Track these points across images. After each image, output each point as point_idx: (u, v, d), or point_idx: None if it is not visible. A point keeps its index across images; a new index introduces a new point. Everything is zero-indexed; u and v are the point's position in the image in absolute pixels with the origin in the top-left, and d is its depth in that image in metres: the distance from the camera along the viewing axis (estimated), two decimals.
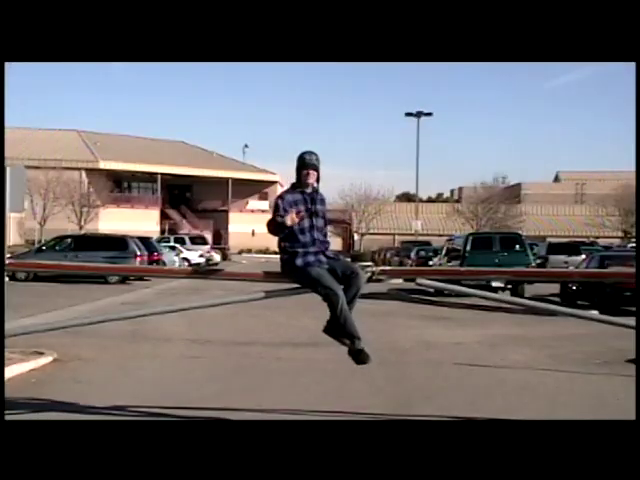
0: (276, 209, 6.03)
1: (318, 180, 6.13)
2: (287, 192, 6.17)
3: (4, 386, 6.14)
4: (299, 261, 5.96)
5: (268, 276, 6.57)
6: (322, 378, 8.38)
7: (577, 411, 6.85)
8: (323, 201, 6.20)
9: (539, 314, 13.95)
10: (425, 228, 57.88)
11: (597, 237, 55.21)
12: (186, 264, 36.24)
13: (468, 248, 21.57)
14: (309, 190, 6.08)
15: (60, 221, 49.72)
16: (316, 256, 5.98)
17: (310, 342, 10.53)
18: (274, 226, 5.99)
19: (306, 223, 6.00)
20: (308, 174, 6.04)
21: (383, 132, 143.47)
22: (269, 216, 6.38)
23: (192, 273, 8.27)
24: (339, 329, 5.92)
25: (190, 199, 72.14)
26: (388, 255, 43.33)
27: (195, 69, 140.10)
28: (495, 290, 18.08)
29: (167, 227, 63.36)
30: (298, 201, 6.02)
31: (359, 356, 5.95)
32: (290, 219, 5.82)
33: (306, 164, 6.04)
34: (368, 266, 6.65)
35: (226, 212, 69.00)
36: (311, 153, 6.10)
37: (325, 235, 6.18)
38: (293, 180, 6.23)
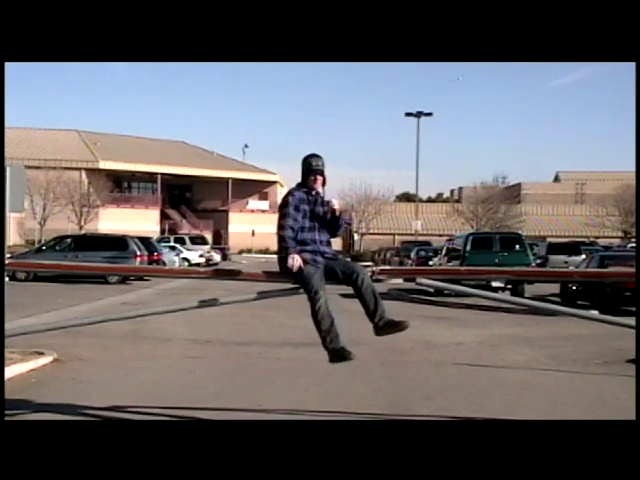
0: (287, 204, 6.02)
1: (324, 184, 6.15)
2: (295, 189, 6.19)
3: (4, 386, 6.14)
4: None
5: (269, 276, 6.57)
6: (322, 378, 8.37)
7: (577, 411, 6.85)
8: (323, 204, 6.19)
9: (539, 314, 13.97)
10: (425, 228, 57.93)
11: (597, 237, 55.26)
12: (186, 264, 36.29)
13: (468, 248, 21.57)
14: (314, 192, 6.10)
15: (60, 221, 49.77)
16: (313, 254, 5.98)
17: (310, 342, 10.49)
18: (280, 236, 5.98)
19: (307, 223, 6.02)
20: (316, 180, 6.07)
21: (383, 132, 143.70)
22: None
23: (190, 273, 8.26)
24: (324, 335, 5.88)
25: (190, 199, 72.18)
26: (388, 255, 43.33)
27: (195, 69, 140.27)
28: (495, 290, 18.08)
29: (167, 227, 63.39)
30: (303, 200, 6.05)
31: (337, 354, 5.88)
32: (293, 260, 5.83)
33: (313, 170, 6.06)
34: (368, 266, 6.65)
35: (226, 212, 69.03)
36: (317, 158, 6.11)
37: (324, 240, 6.17)
38: (292, 180, 6.27)
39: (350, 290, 6.06)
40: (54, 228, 45.61)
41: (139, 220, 59.92)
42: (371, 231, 63.10)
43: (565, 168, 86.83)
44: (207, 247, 46.41)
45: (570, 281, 17.51)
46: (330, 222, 6.12)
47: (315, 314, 5.85)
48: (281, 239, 5.97)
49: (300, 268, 5.90)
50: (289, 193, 6.18)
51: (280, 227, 6.00)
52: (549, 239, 50.83)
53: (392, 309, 17.15)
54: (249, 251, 62.63)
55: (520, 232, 31.35)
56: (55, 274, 21.43)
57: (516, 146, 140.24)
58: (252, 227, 63.01)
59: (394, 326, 6.01)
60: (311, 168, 6.06)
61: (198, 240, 47.67)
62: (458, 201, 73.31)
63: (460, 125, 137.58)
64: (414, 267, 26.22)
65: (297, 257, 5.84)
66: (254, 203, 70.72)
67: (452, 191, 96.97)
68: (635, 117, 5.80)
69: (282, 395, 7.50)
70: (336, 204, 6.11)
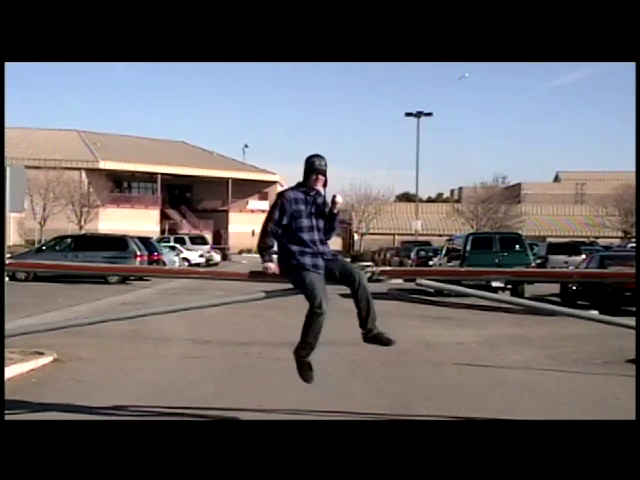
0: (275, 206, 6.09)
1: (325, 185, 6.16)
2: (291, 189, 6.20)
3: (4, 386, 6.14)
4: (294, 261, 5.97)
5: (253, 276, 6.59)
6: (322, 378, 8.32)
7: (577, 411, 6.85)
8: (324, 204, 6.19)
9: (539, 314, 13.96)
10: (425, 228, 57.91)
11: (597, 237, 55.25)
12: (186, 264, 36.29)
13: (468, 248, 21.56)
14: (312, 193, 6.10)
15: (60, 221, 49.75)
16: (313, 258, 5.97)
17: None
18: (261, 240, 6.13)
19: (305, 223, 6.01)
20: (317, 179, 6.08)
21: (383, 132, 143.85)
22: None
23: (190, 273, 8.26)
24: (309, 337, 5.96)
25: (190, 199, 72.19)
26: (388, 255, 43.32)
27: (195, 69, 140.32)
28: (495, 290, 18.08)
29: (167, 227, 63.38)
30: (299, 200, 6.05)
31: (305, 370, 6.09)
32: (268, 267, 6.04)
33: (316, 169, 6.07)
34: (368, 266, 6.66)
35: (226, 212, 69.03)
36: (321, 158, 6.13)
37: (324, 240, 6.17)
38: (292, 180, 6.29)
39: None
40: (54, 228, 45.60)
41: (139, 220, 59.91)
42: (371, 231, 63.05)
43: (565, 168, 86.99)
44: (207, 247, 46.41)
45: (570, 281, 17.49)
46: (327, 219, 6.14)
47: (309, 324, 5.90)
48: (258, 246, 6.16)
49: (302, 276, 5.92)
50: (281, 193, 6.22)
51: (261, 232, 6.14)
52: (549, 239, 50.81)
53: (392, 309, 17.09)
54: (249, 251, 62.54)
55: (520, 232, 31.33)
56: (55, 274, 21.43)
57: (516, 146, 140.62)
58: (252, 227, 62.86)
59: (381, 342, 6.13)
60: (313, 167, 6.07)
61: (198, 240, 47.67)
62: (458, 201, 73.28)
63: (460, 125, 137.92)
64: (414, 267, 26.25)
65: (271, 265, 6.04)
66: (254, 203, 70.69)
67: (452, 191, 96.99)
68: (635, 117, 5.81)
69: (282, 395, 7.49)
70: (340, 199, 6.16)
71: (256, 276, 6.53)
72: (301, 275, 5.92)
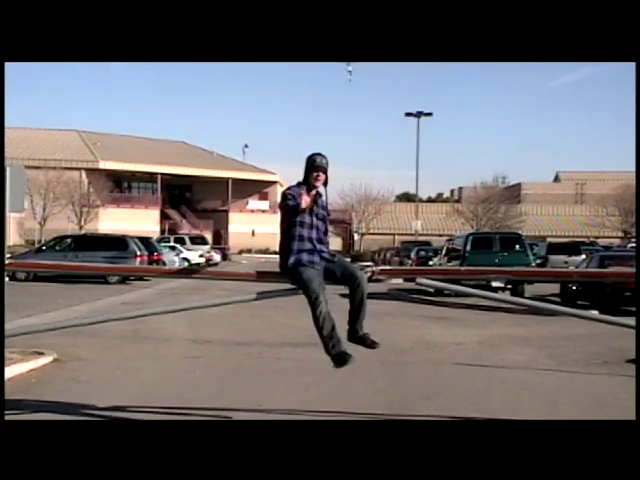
0: (284, 199, 6.09)
1: (326, 184, 6.17)
2: (293, 186, 6.24)
3: (4, 386, 6.14)
4: (291, 259, 6.00)
5: (261, 276, 6.60)
6: (322, 378, 8.36)
7: (577, 411, 6.85)
8: (324, 207, 6.23)
9: (539, 314, 13.96)
10: (425, 228, 57.94)
11: (597, 237, 55.29)
12: (186, 264, 36.29)
13: (468, 248, 21.57)
14: (313, 192, 6.12)
15: (60, 221, 49.77)
16: (310, 255, 6.00)
17: (310, 342, 10.49)
18: (288, 212, 6.02)
19: (306, 219, 6.04)
20: (318, 177, 6.09)
21: (383, 132, 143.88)
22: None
23: (188, 273, 8.26)
24: (324, 335, 5.93)
25: (190, 199, 72.17)
26: (388, 255, 43.33)
27: (195, 69, 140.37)
28: (495, 290, 18.07)
29: (167, 227, 63.37)
30: (301, 196, 6.07)
31: (340, 358, 5.92)
32: (304, 201, 5.88)
33: (317, 167, 6.08)
34: (368, 266, 6.67)
35: (226, 212, 69.00)
36: (322, 156, 6.15)
37: (323, 239, 6.20)
38: (292, 180, 6.31)
39: None
40: (54, 228, 45.62)
41: (139, 220, 59.91)
42: (371, 231, 63.08)
43: (565, 168, 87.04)
44: (207, 247, 46.43)
45: (570, 281, 17.50)
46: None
47: (317, 319, 5.88)
48: (286, 206, 5.98)
49: (299, 272, 5.92)
50: (288, 188, 6.25)
51: (282, 200, 6.06)
52: (549, 239, 50.88)
53: (392, 309, 17.06)
54: (249, 251, 62.59)
55: (520, 232, 31.32)
56: (55, 274, 21.42)
57: (516, 146, 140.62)
58: (252, 227, 63.00)
59: (365, 344, 6.18)
60: (314, 165, 6.08)
61: (198, 240, 47.70)
62: (458, 201, 73.30)
63: (460, 125, 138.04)
64: (414, 267, 26.22)
65: (305, 197, 5.90)
66: (254, 203, 70.67)
67: (452, 191, 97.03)
68: (635, 117, 5.81)
69: (282, 395, 7.50)
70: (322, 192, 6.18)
71: (262, 276, 6.57)
72: (298, 271, 5.95)
